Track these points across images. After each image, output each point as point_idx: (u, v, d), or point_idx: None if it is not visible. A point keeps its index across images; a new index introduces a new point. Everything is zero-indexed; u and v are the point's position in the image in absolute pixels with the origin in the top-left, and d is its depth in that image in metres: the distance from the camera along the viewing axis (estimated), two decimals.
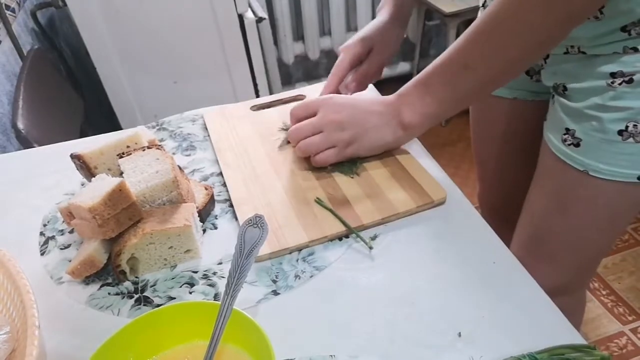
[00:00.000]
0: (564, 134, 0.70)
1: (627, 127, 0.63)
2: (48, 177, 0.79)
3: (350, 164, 0.73)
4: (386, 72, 2.44)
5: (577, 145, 0.69)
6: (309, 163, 0.76)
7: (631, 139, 0.63)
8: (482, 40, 0.62)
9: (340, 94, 0.84)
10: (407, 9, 0.88)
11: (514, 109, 0.92)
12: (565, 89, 0.69)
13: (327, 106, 0.71)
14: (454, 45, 0.65)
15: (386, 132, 0.70)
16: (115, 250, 0.60)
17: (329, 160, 0.71)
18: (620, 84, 0.62)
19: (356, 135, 0.70)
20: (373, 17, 2.53)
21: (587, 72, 0.65)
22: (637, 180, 0.66)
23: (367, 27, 0.86)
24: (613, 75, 0.62)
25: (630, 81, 0.61)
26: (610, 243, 0.80)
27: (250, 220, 0.54)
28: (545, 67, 0.75)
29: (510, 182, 1.01)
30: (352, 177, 0.71)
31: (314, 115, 0.72)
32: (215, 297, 0.59)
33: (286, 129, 0.84)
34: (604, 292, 1.59)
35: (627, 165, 0.66)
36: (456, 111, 0.69)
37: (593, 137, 0.66)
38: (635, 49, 0.60)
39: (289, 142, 0.79)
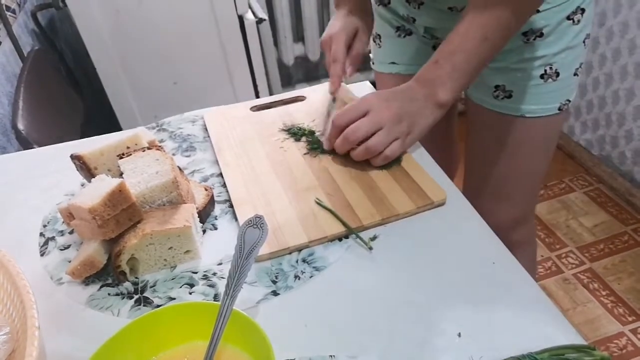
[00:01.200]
0: (494, 91, 0.85)
1: (545, 70, 0.81)
2: (48, 178, 0.79)
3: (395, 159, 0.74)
4: None
5: (510, 96, 0.84)
6: (309, 163, 0.76)
7: (550, 80, 0.81)
8: (498, 13, 0.68)
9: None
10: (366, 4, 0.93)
11: None
12: None
13: (375, 104, 0.71)
14: (468, 21, 0.70)
15: (428, 114, 0.72)
16: (115, 251, 0.60)
17: (396, 154, 0.71)
18: (534, 39, 0.78)
19: (411, 124, 0.72)
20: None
21: None
22: (558, 111, 0.84)
23: (339, 19, 0.89)
24: (525, 34, 0.78)
25: (541, 35, 0.78)
26: (547, 167, 0.96)
27: (250, 220, 0.54)
28: None
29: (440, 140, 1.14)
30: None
31: (362, 117, 0.71)
32: (215, 297, 0.59)
33: (286, 130, 0.84)
34: (603, 293, 1.59)
35: (550, 100, 0.83)
36: (475, 79, 0.75)
37: (521, 85, 0.82)
38: (538, 10, 0.75)
39: (315, 149, 0.78)
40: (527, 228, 1.05)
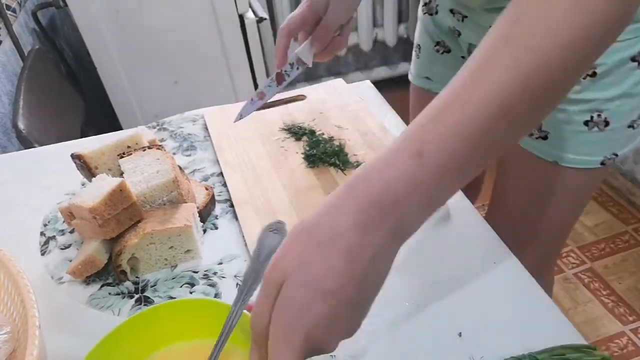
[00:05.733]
0: None
1: (592, 117, 0.68)
2: (48, 177, 0.79)
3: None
4: (387, 72, 2.45)
5: (545, 137, 0.72)
6: (309, 163, 0.76)
7: (596, 128, 0.68)
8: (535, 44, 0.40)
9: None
10: None
11: None
12: None
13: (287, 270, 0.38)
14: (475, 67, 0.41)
15: (388, 262, 0.40)
16: (115, 250, 0.60)
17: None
18: (584, 78, 0.66)
19: (354, 315, 0.39)
20: (374, 17, 2.52)
21: None
22: (600, 165, 0.71)
23: None
24: None
25: (594, 74, 0.65)
26: (576, 221, 0.86)
27: (271, 225, 0.51)
28: None
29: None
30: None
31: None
32: (216, 297, 0.59)
33: (287, 129, 0.84)
34: (604, 293, 1.59)
35: (592, 152, 0.71)
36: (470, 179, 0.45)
37: (560, 129, 0.70)
38: None
39: (311, 157, 0.75)
40: (544, 279, 0.89)
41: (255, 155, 0.79)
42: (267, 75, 1.82)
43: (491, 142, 0.38)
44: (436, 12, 0.84)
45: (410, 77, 0.97)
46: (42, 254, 0.67)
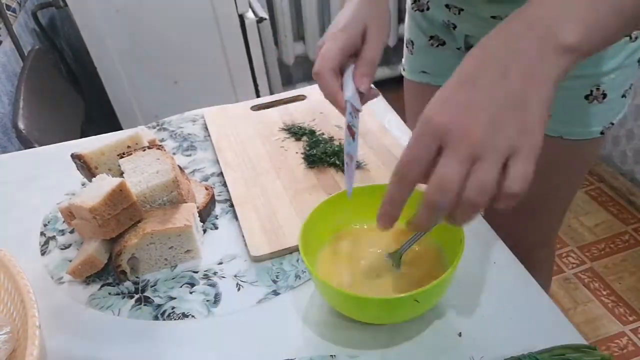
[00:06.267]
0: None
1: (591, 91, 0.72)
2: (48, 177, 0.79)
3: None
4: (387, 72, 2.44)
5: (549, 115, 0.72)
6: (309, 163, 0.76)
7: (595, 101, 0.73)
8: None
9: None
10: None
11: None
12: None
13: (450, 125, 0.41)
14: None
15: (549, 70, 0.42)
16: (115, 250, 0.60)
17: (527, 181, 0.41)
18: None
19: (522, 116, 0.41)
20: None
21: None
22: (600, 135, 0.77)
23: (347, 13, 0.67)
24: None
25: None
26: (577, 191, 0.89)
27: None
28: None
29: None
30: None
31: (437, 156, 0.42)
32: (216, 297, 0.59)
33: (287, 129, 0.84)
34: (604, 293, 1.59)
35: (593, 123, 0.75)
36: (612, 35, 0.46)
37: (563, 105, 0.72)
38: None
39: (310, 157, 0.74)
40: (550, 248, 1.00)
41: (255, 155, 0.79)
42: (267, 75, 1.82)
43: None
44: (427, 8, 0.84)
45: (404, 73, 0.98)
46: (42, 254, 0.67)
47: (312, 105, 0.90)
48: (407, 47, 0.94)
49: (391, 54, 2.48)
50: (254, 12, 1.67)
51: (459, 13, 0.78)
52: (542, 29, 0.42)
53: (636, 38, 0.70)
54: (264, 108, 0.91)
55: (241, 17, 1.62)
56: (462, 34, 0.81)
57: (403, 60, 0.98)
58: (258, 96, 1.76)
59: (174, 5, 1.54)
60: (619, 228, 1.79)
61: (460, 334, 0.53)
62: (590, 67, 0.71)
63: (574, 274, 1.66)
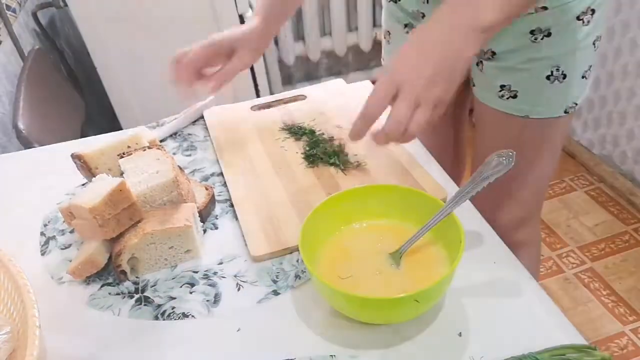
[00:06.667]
0: (499, 91, 0.82)
1: (552, 72, 0.78)
2: (48, 177, 0.79)
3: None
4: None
5: (515, 97, 0.81)
6: (309, 163, 0.76)
7: (556, 81, 0.79)
8: None
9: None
10: (277, 25, 0.92)
11: None
12: (494, 53, 0.79)
13: (405, 76, 0.58)
14: None
15: (470, 46, 0.59)
16: (115, 250, 0.60)
17: (421, 126, 0.58)
18: (541, 38, 0.75)
19: (449, 78, 0.59)
20: (374, 17, 2.52)
21: (510, 35, 0.76)
22: (564, 113, 0.82)
23: (232, 31, 0.85)
24: (532, 32, 0.75)
25: (549, 34, 0.75)
26: (553, 168, 0.94)
27: (501, 153, 0.58)
28: None
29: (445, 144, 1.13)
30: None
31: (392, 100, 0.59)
32: (216, 297, 0.59)
33: (287, 129, 0.84)
34: (604, 293, 1.59)
35: (556, 102, 0.81)
36: (520, 12, 0.65)
37: (527, 86, 0.80)
38: (544, 7, 0.73)
39: (310, 156, 0.77)
40: (531, 229, 1.04)
41: (256, 155, 0.79)
42: (267, 75, 1.82)
43: None
44: None
45: (383, 62, 1.02)
46: (42, 254, 0.67)
47: (312, 105, 0.90)
48: (384, 38, 0.99)
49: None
50: (254, 12, 1.67)
51: (427, 2, 0.83)
52: (468, 15, 0.58)
53: (588, 22, 0.76)
54: (264, 108, 0.91)
55: (241, 17, 1.62)
56: None
57: (382, 51, 1.02)
58: (258, 96, 1.76)
59: (174, 6, 1.54)
60: (619, 228, 1.78)
61: (460, 334, 0.53)
62: (548, 48, 0.77)
63: (574, 274, 1.65)
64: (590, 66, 0.82)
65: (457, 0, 0.59)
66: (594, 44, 0.80)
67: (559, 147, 0.92)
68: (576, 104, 0.83)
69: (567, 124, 0.88)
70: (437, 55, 0.58)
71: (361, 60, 2.48)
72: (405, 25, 0.92)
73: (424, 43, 0.60)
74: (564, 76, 0.79)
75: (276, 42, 2.32)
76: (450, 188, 0.70)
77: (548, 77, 0.79)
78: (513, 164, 0.58)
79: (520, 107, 0.82)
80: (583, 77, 0.81)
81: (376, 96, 0.58)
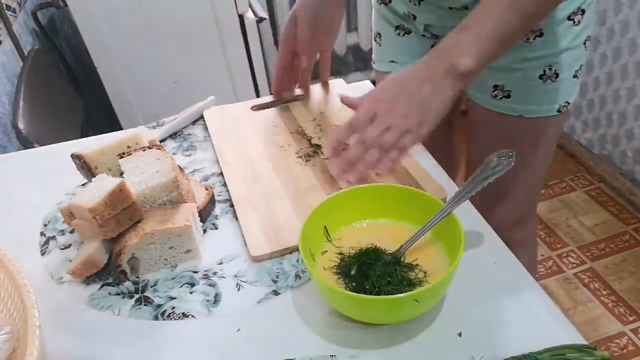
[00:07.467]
0: (493, 91, 0.84)
1: (545, 71, 0.80)
2: (48, 177, 0.79)
3: None
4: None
5: (508, 96, 0.83)
6: (309, 163, 0.76)
7: (549, 81, 0.81)
8: None
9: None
10: None
11: None
12: None
13: (383, 110, 0.66)
14: None
15: (447, 90, 0.65)
16: (115, 250, 0.60)
17: (405, 150, 0.67)
18: (534, 38, 0.78)
19: (423, 113, 0.65)
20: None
21: None
22: (557, 112, 0.84)
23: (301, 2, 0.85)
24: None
25: (541, 34, 0.77)
26: (547, 167, 0.95)
27: (501, 153, 0.60)
28: None
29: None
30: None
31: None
32: (216, 297, 0.59)
33: (287, 129, 0.84)
34: (604, 293, 1.59)
35: (549, 101, 0.83)
36: (500, 54, 0.68)
37: (520, 86, 0.82)
38: None
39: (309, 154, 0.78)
40: (528, 228, 1.05)
41: (255, 155, 0.79)
42: (267, 75, 1.82)
43: (509, 21, 0.64)
44: (390, 1, 0.91)
45: (374, 66, 1.03)
46: (42, 254, 0.67)
47: (312, 105, 0.90)
48: (375, 40, 1.00)
49: None
50: (253, 12, 1.67)
51: (419, 4, 0.84)
52: (447, 62, 0.64)
53: (578, 22, 0.78)
54: (264, 108, 0.91)
55: (241, 17, 1.62)
56: (422, 24, 0.88)
57: (373, 54, 1.03)
58: (258, 96, 1.76)
59: (173, 6, 1.54)
60: (619, 228, 1.79)
61: (460, 334, 0.53)
62: (541, 48, 0.79)
63: (574, 274, 1.66)
64: (581, 65, 0.83)
65: (440, 48, 0.66)
66: (584, 43, 0.81)
67: (553, 146, 0.93)
68: (569, 103, 0.84)
69: (560, 123, 0.89)
70: (414, 92, 0.65)
71: (361, 60, 2.48)
72: (397, 27, 0.93)
73: (404, 78, 0.67)
74: (557, 75, 0.81)
75: (276, 42, 2.31)
76: (450, 188, 0.70)
77: (541, 77, 0.80)
78: (513, 163, 0.59)
79: (514, 106, 0.83)
80: (575, 76, 0.83)
81: (359, 117, 0.67)
